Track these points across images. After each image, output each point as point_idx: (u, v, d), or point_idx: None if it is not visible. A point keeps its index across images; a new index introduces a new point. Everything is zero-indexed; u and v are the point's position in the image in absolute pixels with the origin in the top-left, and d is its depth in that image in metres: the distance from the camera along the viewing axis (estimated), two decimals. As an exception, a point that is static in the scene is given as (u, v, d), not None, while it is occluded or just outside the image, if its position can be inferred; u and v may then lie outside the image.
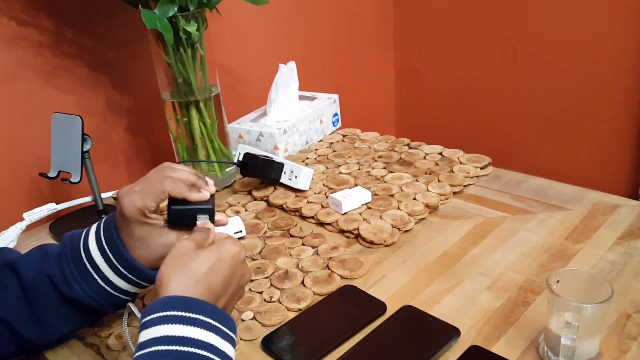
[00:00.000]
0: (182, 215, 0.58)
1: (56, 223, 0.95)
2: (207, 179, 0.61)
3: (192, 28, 0.88)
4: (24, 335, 0.58)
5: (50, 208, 0.88)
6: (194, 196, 0.58)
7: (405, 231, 0.81)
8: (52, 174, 0.88)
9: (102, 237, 0.58)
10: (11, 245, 0.83)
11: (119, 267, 0.57)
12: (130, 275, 0.58)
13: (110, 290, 0.58)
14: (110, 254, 0.57)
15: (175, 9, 0.85)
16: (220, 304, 0.50)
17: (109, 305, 0.59)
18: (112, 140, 1.10)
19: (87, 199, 0.94)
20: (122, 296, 0.59)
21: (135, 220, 0.57)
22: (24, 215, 0.86)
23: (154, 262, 0.58)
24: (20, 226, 0.85)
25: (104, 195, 0.94)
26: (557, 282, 0.55)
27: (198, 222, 0.58)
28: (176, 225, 0.59)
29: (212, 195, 0.60)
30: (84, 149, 0.86)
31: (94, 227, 0.60)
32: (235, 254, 0.52)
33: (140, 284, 0.59)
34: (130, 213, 0.56)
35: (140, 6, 0.84)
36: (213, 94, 0.97)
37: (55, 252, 0.59)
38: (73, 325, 0.62)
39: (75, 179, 0.86)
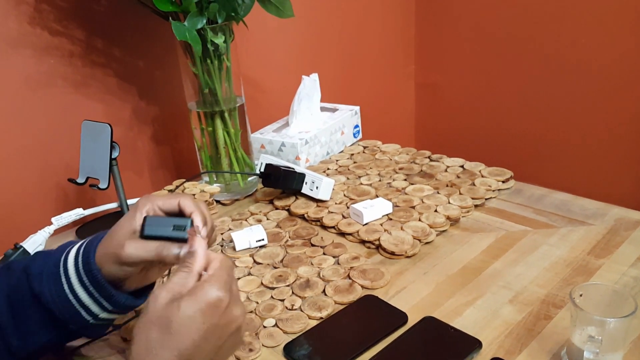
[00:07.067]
0: (156, 223, 0.54)
1: (83, 228, 0.97)
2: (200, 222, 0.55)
3: (219, 40, 0.90)
4: (7, 339, 0.56)
5: (77, 213, 0.90)
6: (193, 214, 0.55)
7: (426, 243, 0.82)
8: (80, 180, 0.90)
9: (84, 245, 0.57)
10: (39, 249, 0.85)
11: (83, 274, 0.55)
12: (91, 288, 0.55)
13: (71, 299, 0.55)
14: (80, 261, 0.56)
15: (204, 21, 0.87)
16: None
17: (68, 317, 0.56)
18: (137, 149, 1.13)
19: (113, 205, 0.96)
20: (82, 312, 0.56)
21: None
22: (53, 219, 0.88)
23: (114, 268, 0.55)
24: (48, 230, 0.87)
25: (130, 201, 0.96)
26: (580, 295, 0.55)
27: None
28: (148, 234, 0.54)
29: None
30: (112, 156, 0.88)
31: (89, 238, 0.58)
32: (213, 302, 0.45)
33: (100, 303, 0.56)
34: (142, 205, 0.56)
35: (170, 18, 0.87)
36: (237, 105, 0.99)
37: (48, 252, 0.58)
38: (47, 334, 0.57)
39: (103, 185, 0.87)
